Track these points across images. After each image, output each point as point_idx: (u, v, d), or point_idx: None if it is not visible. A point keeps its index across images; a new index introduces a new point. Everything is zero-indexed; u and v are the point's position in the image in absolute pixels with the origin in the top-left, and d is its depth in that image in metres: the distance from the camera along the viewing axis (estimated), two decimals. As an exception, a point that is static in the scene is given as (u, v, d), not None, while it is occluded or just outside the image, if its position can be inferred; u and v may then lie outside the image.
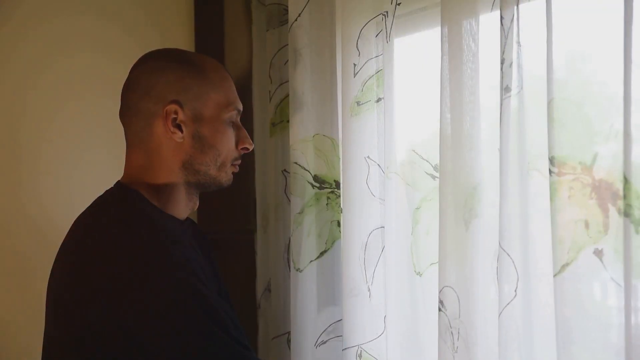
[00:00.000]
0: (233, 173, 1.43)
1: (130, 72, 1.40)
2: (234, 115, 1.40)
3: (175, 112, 1.34)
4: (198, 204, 1.44)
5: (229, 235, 2.00)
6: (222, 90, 1.39)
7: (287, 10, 1.75)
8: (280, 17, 1.81)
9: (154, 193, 1.36)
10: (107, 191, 1.39)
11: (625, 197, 1.08)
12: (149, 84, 1.35)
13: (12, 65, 1.79)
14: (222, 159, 1.39)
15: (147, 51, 1.43)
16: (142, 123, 1.36)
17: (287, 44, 1.74)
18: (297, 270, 1.67)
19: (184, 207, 1.40)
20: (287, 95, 1.75)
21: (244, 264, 1.96)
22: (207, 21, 2.11)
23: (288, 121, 1.74)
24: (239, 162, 1.44)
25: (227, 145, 1.39)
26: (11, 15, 1.79)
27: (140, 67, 1.39)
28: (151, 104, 1.34)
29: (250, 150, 1.44)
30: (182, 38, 2.08)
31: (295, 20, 1.69)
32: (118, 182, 1.40)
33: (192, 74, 1.36)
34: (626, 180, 1.08)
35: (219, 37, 2.07)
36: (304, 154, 1.68)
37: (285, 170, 1.79)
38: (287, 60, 1.74)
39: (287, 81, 1.75)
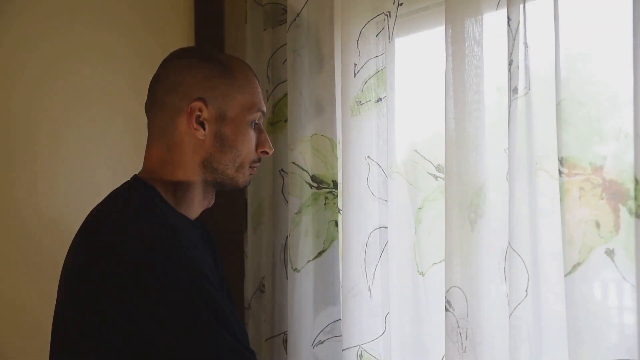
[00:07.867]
0: (250, 175, 1.45)
1: (161, 67, 1.42)
2: (257, 117, 1.42)
3: (200, 110, 1.36)
4: (213, 201, 1.45)
5: (217, 235, 1.98)
6: (248, 92, 1.40)
7: (285, 10, 1.74)
8: (278, 17, 1.80)
9: (170, 190, 1.37)
10: (123, 185, 1.40)
11: (636, 198, 1.09)
12: (178, 80, 1.37)
13: (30, 70, 1.81)
14: (241, 160, 1.40)
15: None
16: (167, 117, 1.37)
17: (286, 44, 1.73)
18: (294, 270, 1.67)
19: (198, 205, 1.42)
20: (285, 95, 1.75)
21: (232, 264, 1.95)
22: (207, 21, 2.09)
23: (286, 120, 1.74)
24: (258, 164, 1.45)
25: (248, 147, 1.41)
26: (26, 19, 1.80)
27: (171, 63, 1.41)
28: (177, 99, 1.36)
29: (270, 154, 1.46)
30: (182, 38, 2.06)
31: (294, 20, 1.68)
32: (135, 175, 1.41)
33: (220, 74, 1.38)
34: (637, 182, 1.09)
35: (219, 37, 2.06)
36: (302, 153, 1.68)
37: (282, 170, 1.78)
38: (286, 60, 1.73)
39: (285, 80, 1.75)
